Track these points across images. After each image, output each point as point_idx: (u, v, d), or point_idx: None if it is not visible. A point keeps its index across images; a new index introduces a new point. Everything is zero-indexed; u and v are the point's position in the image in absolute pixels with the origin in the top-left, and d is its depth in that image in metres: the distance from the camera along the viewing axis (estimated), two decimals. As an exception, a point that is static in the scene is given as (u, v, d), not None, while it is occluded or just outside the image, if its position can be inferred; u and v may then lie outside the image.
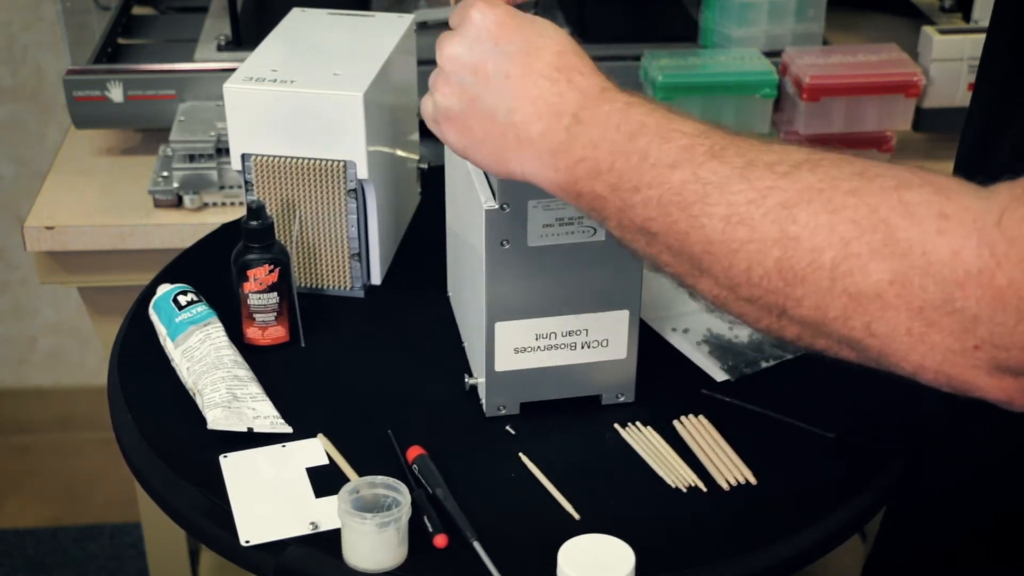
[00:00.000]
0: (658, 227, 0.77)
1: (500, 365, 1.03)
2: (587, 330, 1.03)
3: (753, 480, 0.99)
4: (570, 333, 1.02)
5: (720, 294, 0.76)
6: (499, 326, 1.01)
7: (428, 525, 0.92)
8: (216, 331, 1.11)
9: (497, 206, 0.96)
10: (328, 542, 0.93)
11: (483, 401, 1.06)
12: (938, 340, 0.67)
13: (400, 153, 1.30)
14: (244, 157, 1.18)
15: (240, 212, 1.41)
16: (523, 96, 0.83)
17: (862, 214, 0.69)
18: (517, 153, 0.84)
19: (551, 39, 0.85)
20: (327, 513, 0.95)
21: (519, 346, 1.02)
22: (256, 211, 1.11)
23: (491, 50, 0.85)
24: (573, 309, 1.02)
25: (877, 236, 0.68)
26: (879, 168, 0.71)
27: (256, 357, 1.12)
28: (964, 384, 0.68)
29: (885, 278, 0.67)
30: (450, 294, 1.21)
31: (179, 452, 1.02)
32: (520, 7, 0.90)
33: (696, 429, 1.04)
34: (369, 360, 1.14)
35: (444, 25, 0.90)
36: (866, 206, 0.69)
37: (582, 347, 1.03)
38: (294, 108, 1.15)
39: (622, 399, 1.07)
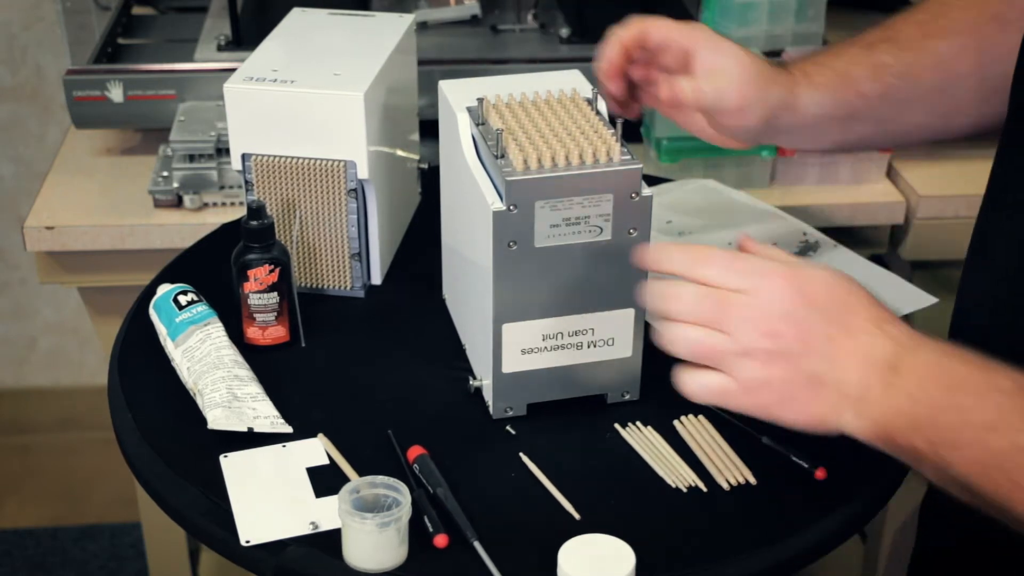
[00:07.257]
0: (979, 485, 0.80)
1: (507, 367, 1.02)
2: (593, 329, 1.02)
3: (753, 480, 0.99)
4: (576, 333, 1.02)
5: None
6: (506, 327, 1.00)
7: (428, 525, 0.92)
8: (216, 331, 1.11)
9: (504, 207, 0.96)
10: (328, 542, 0.93)
11: (489, 403, 1.05)
12: None
13: (400, 153, 1.29)
14: (244, 157, 1.18)
15: (240, 212, 1.41)
16: (846, 353, 0.84)
17: None
18: (835, 407, 0.85)
19: (857, 292, 0.86)
20: (327, 513, 0.95)
21: (526, 347, 1.02)
22: (256, 211, 1.11)
23: (807, 314, 0.85)
24: (579, 309, 1.01)
25: None
26: None
27: (256, 357, 1.12)
28: None
29: None
30: (446, 297, 1.21)
31: (179, 452, 1.02)
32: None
33: (696, 429, 1.04)
34: (369, 360, 1.14)
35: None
36: None
37: (588, 346, 1.03)
38: (294, 108, 1.15)
39: (627, 397, 1.07)
